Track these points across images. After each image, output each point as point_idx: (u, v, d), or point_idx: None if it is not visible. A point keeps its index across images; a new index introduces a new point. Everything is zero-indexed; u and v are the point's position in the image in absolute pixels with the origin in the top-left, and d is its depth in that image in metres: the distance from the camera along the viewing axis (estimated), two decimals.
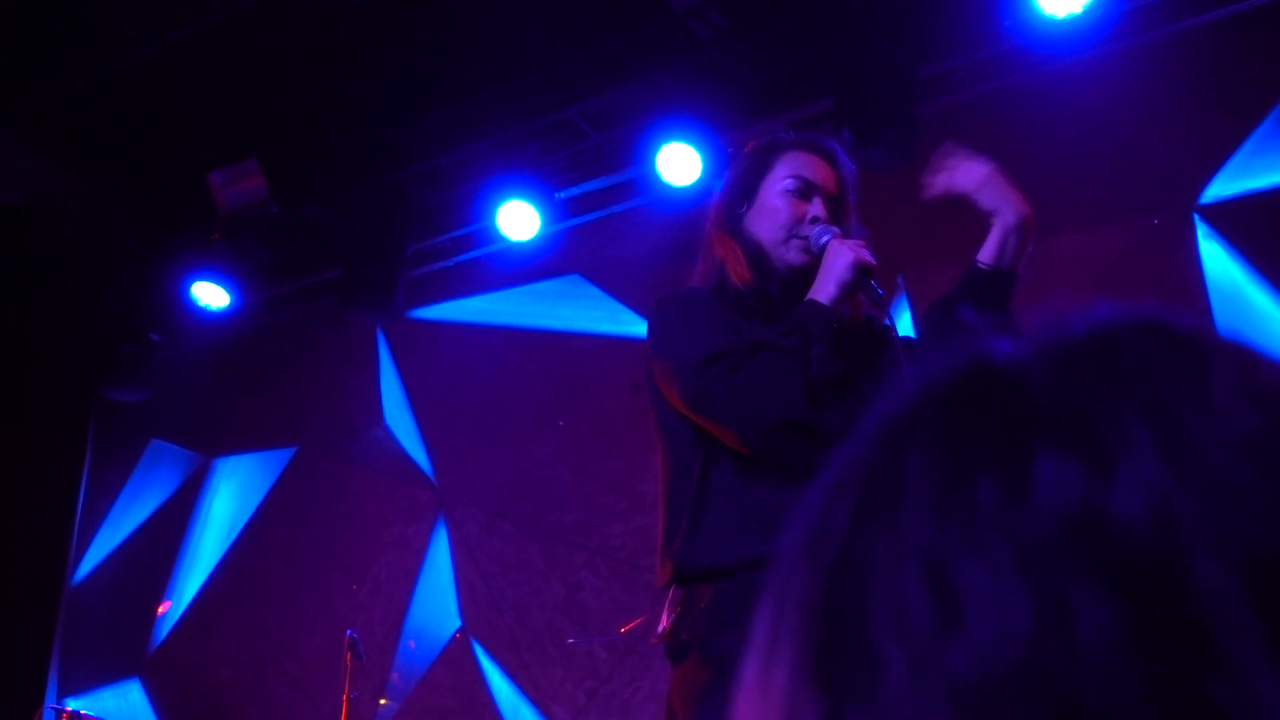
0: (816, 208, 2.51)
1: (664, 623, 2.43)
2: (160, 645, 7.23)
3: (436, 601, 6.52)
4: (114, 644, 7.37)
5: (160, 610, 7.31)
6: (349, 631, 5.15)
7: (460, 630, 6.39)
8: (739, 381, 2.27)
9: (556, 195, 6.49)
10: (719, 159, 6.06)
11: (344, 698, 4.94)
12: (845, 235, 2.49)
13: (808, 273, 2.46)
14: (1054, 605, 0.44)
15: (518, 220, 6.36)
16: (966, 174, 2.39)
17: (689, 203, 6.23)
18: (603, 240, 6.64)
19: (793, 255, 2.49)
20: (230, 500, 7.47)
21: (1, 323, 7.46)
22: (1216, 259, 5.18)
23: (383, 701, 6.31)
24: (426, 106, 6.43)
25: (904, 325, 5.69)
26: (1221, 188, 5.23)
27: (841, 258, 2.37)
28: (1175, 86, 5.38)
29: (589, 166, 6.49)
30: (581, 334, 6.60)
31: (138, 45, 5.92)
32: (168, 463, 7.80)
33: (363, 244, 6.71)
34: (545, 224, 6.43)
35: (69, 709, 5.48)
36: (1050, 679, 0.43)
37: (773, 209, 2.52)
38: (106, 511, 7.85)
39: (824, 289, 2.36)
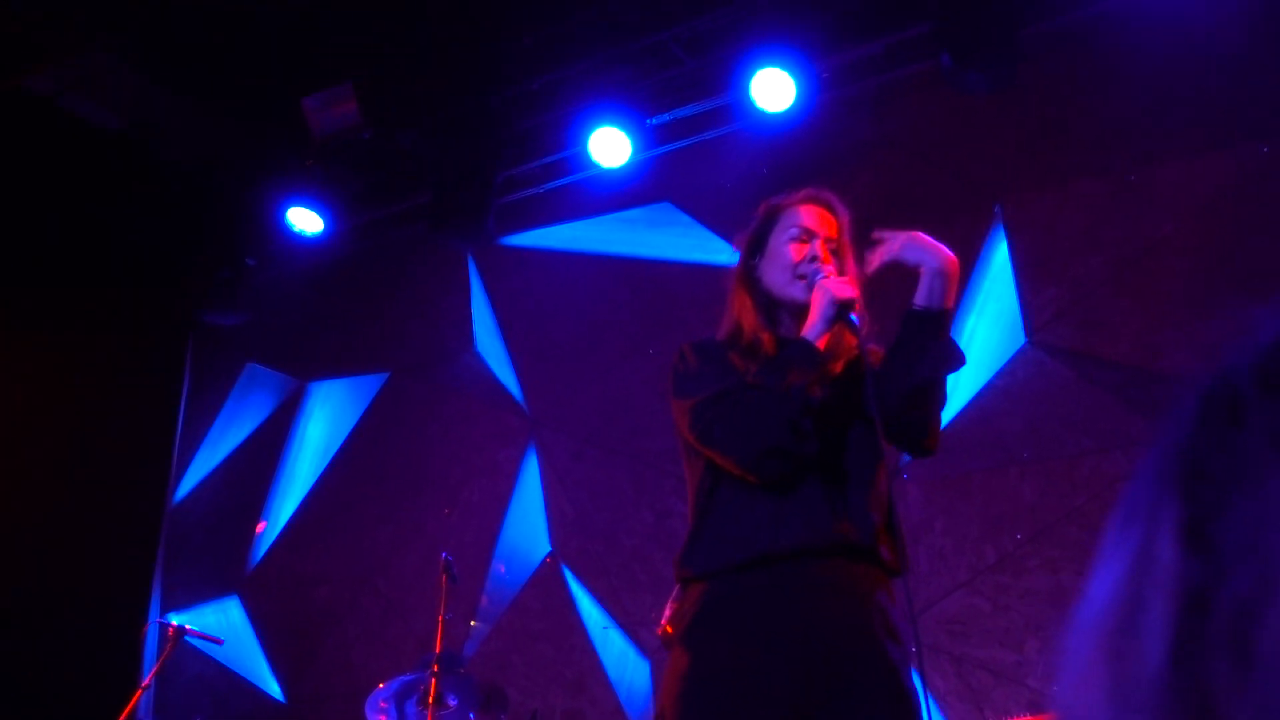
0: (815, 249, 2.87)
1: (664, 618, 2.91)
2: (258, 564, 7.41)
3: (527, 525, 6.59)
4: (213, 562, 7.57)
5: (258, 530, 7.48)
6: (444, 554, 5.21)
7: (550, 554, 6.46)
8: (732, 417, 2.65)
9: (648, 121, 6.44)
10: (813, 85, 5.97)
11: (439, 618, 5.02)
12: (842, 273, 2.86)
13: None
14: None
15: (609, 147, 6.34)
16: (890, 245, 2.75)
17: (783, 129, 6.17)
18: (694, 167, 6.59)
19: (797, 292, 2.84)
20: (324, 423, 7.60)
21: (102, 247, 7.59)
22: None
23: (473, 624, 6.42)
24: (519, 31, 6.40)
25: (1000, 256, 5.60)
26: None
27: (824, 295, 2.72)
28: None
29: (682, 92, 6.42)
30: (672, 262, 6.58)
31: None
32: (263, 386, 7.94)
33: (454, 170, 6.73)
34: (636, 150, 6.40)
35: (174, 623, 5.62)
36: None
37: (779, 254, 2.91)
38: (205, 433, 8.02)
39: (812, 326, 2.72)
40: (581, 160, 6.61)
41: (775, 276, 2.89)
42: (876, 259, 2.77)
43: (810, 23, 5.87)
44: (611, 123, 6.28)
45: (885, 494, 2.72)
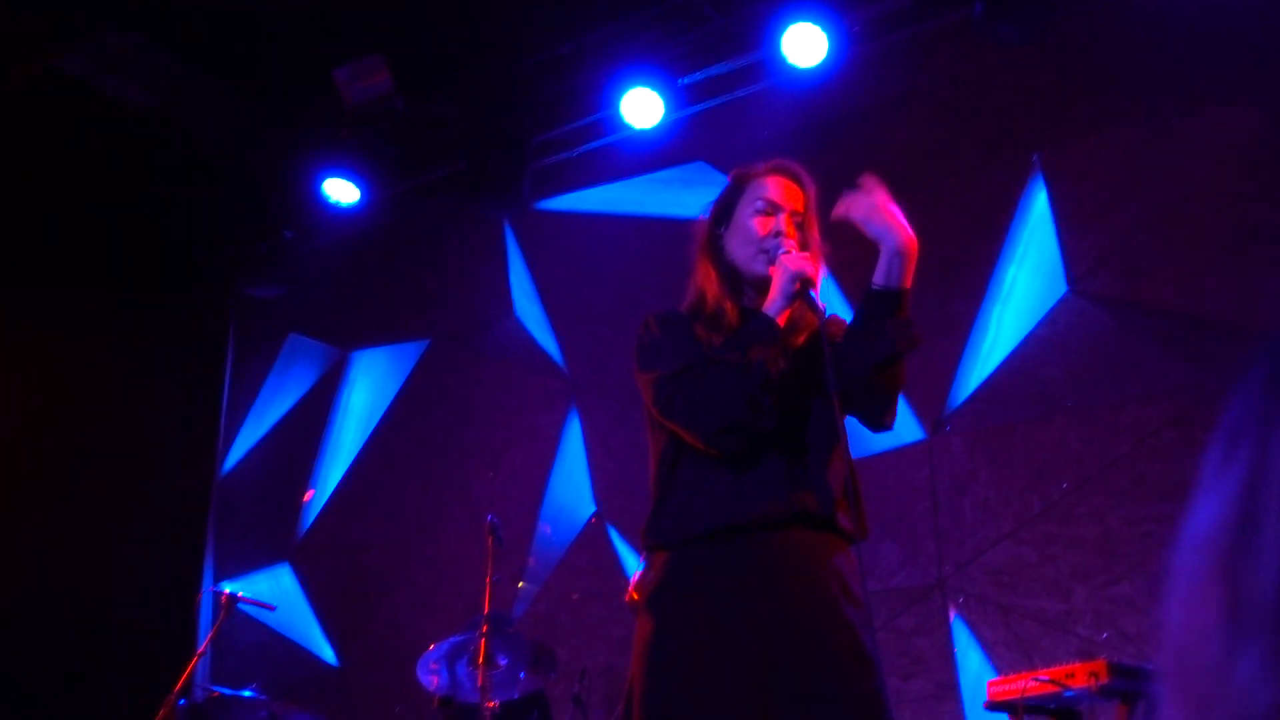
0: (780, 223, 2.89)
1: (630, 586, 3.05)
2: (307, 531, 7.50)
3: (571, 487, 6.64)
4: (263, 531, 7.67)
5: (305, 498, 7.57)
6: (489, 516, 5.25)
7: (595, 515, 6.51)
8: (694, 392, 2.70)
9: (680, 81, 6.42)
10: (845, 39, 5.93)
11: (486, 580, 5.06)
12: (806, 247, 2.89)
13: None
14: None
15: (641, 108, 6.33)
16: (855, 206, 2.75)
17: (815, 84, 6.13)
18: (727, 126, 6.56)
19: (760, 267, 2.88)
20: (368, 392, 7.66)
21: (141, 225, 7.66)
22: None
23: (520, 584, 6.48)
24: None
25: (1039, 205, 5.56)
26: None
27: (785, 272, 2.77)
28: None
29: (712, 51, 6.39)
30: None
31: None
32: (306, 356, 8.01)
33: (488, 136, 6.74)
34: (669, 111, 6.38)
35: (226, 591, 5.70)
36: None
37: (744, 227, 2.93)
38: (250, 405, 8.11)
39: (773, 301, 2.77)
40: (614, 122, 6.60)
41: (739, 250, 2.93)
42: (839, 212, 2.78)
43: None
44: (643, 83, 6.27)
45: (844, 464, 2.78)
